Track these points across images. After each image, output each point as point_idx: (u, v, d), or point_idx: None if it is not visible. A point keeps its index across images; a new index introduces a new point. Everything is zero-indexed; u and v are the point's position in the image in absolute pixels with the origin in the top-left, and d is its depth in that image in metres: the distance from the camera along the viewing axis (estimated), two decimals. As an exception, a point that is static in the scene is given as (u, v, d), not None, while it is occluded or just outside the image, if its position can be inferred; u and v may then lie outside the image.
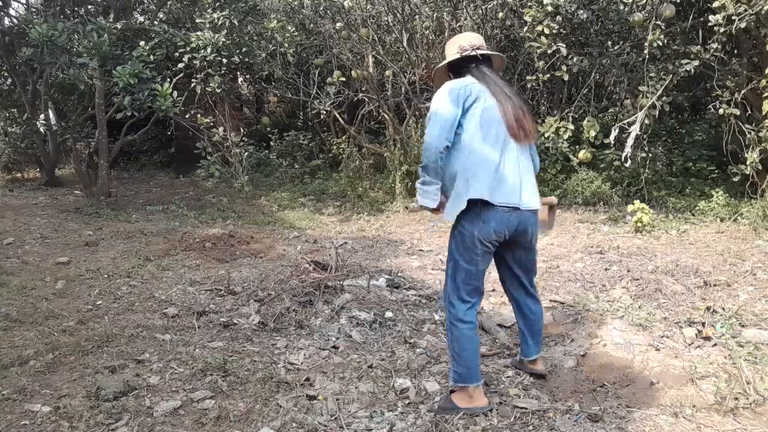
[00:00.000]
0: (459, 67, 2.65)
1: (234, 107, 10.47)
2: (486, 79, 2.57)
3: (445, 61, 2.72)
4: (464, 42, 2.65)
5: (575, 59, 6.31)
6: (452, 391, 2.65)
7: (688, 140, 8.37)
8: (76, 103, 9.22)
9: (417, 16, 7.98)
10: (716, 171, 7.46)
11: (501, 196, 2.47)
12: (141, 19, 7.90)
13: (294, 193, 8.68)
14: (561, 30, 6.13)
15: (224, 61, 6.99)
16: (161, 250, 5.44)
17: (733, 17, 5.46)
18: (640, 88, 6.20)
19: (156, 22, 7.56)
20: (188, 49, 6.87)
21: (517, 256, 2.74)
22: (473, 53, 2.61)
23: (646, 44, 5.84)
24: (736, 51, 6.94)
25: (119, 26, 7.02)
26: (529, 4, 6.36)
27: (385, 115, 8.29)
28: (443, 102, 2.48)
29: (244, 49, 7.22)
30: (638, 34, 6.26)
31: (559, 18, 6.07)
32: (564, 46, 6.05)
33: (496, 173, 2.47)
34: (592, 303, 3.86)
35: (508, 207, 2.48)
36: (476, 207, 2.48)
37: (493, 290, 4.21)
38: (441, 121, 2.45)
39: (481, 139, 2.47)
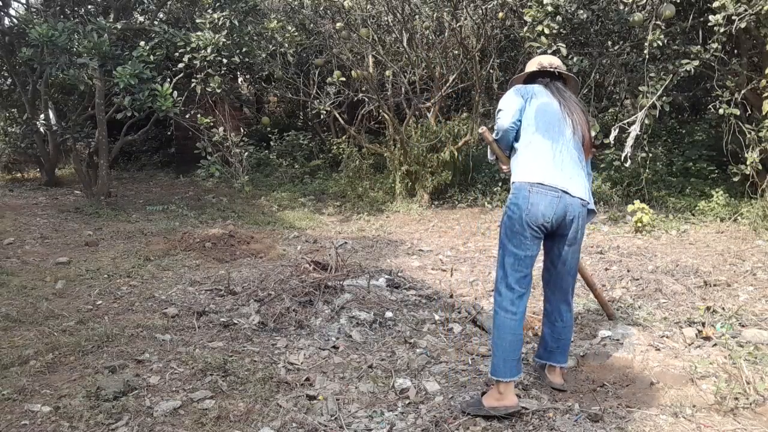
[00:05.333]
0: (534, 79, 2.93)
1: (234, 107, 10.44)
2: (551, 87, 2.81)
3: (525, 72, 2.97)
4: (545, 61, 2.94)
5: (575, 59, 6.30)
6: (484, 392, 2.64)
7: (688, 140, 8.36)
8: (76, 103, 9.22)
9: (417, 16, 7.98)
10: (716, 171, 7.46)
11: (551, 178, 2.58)
12: (141, 19, 7.88)
13: (294, 193, 8.68)
14: (561, 30, 6.13)
15: (224, 61, 6.98)
16: (161, 250, 5.44)
17: (733, 17, 5.46)
18: (640, 88, 6.20)
19: (156, 22, 7.55)
20: (188, 49, 6.87)
21: (563, 252, 2.73)
22: (549, 69, 2.88)
23: (646, 44, 5.83)
24: (736, 51, 6.93)
25: (119, 26, 7.02)
26: (529, 4, 6.36)
27: (385, 115, 8.28)
28: (510, 95, 2.80)
29: (244, 49, 7.21)
30: (638, 34, 6.26)
31: (559, 18, 6.06)
32: (564, 46, 6.05)
33: (553, 160, 2.63)
34: (593, 303, 3.86)
35: (557, 190, 2.57)
36: (525, 190, 2.58)
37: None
38: (509, 108, 2.76)
39: (536, 129, 2.69)
